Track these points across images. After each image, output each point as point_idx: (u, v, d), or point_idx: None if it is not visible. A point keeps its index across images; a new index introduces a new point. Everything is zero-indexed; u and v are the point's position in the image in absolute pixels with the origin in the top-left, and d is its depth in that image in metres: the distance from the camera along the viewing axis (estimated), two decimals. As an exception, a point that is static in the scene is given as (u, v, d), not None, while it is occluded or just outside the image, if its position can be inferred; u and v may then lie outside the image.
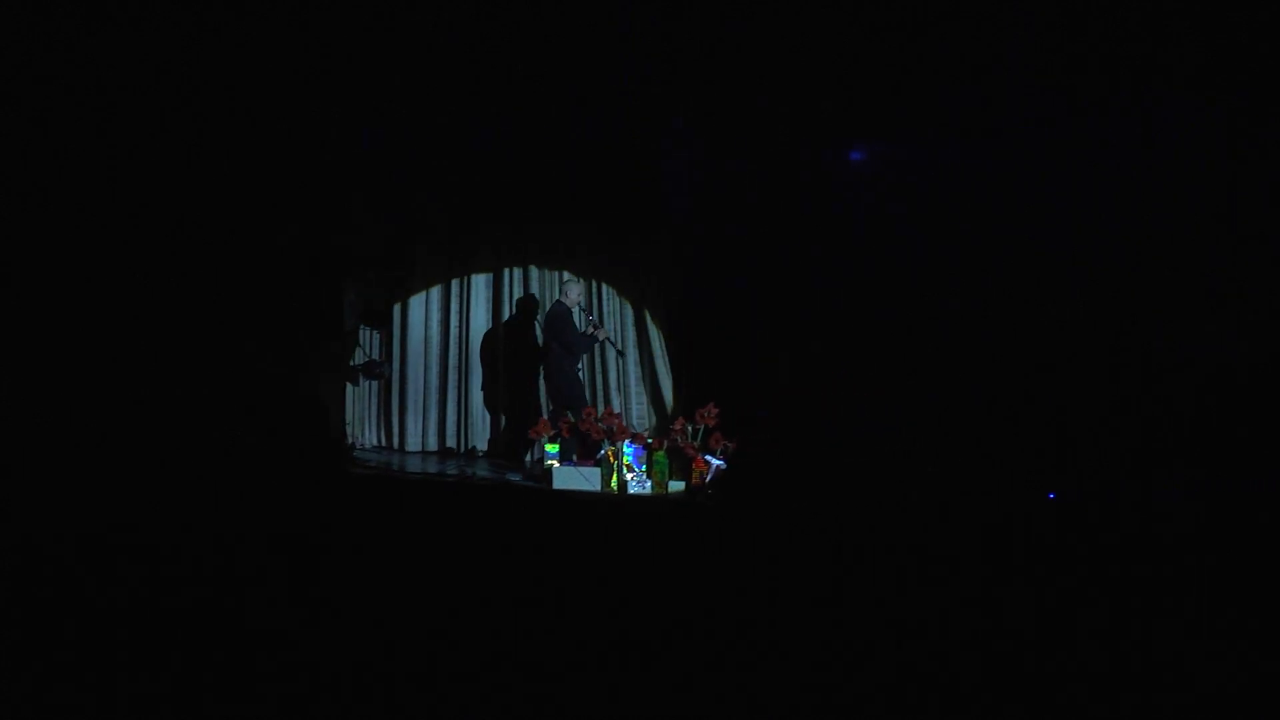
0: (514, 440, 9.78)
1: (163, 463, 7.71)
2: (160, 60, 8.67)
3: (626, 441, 8.16)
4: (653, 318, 10.36)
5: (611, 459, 8.04)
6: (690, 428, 8.21)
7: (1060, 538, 7.10)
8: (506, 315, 10.37)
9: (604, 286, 10.43)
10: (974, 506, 8.03)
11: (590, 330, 9.50)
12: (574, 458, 8.67)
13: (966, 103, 8.89)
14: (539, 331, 9.99)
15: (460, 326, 10.52)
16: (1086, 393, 8.84)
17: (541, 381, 9.89)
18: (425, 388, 10.59)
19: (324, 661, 4.43)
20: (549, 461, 8.52)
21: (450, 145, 10.02)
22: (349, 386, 10.27)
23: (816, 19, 8.49)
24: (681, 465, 8.08)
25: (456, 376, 10.49)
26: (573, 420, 8.65)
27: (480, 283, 10.54)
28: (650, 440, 8.34)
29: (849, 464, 8.80)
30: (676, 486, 7.97)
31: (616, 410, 9.68)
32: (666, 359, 10.36)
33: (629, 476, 8.00)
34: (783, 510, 7.75)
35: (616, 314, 10.47)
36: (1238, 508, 7.82)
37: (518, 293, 10.42)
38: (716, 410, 8.22)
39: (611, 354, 10.15)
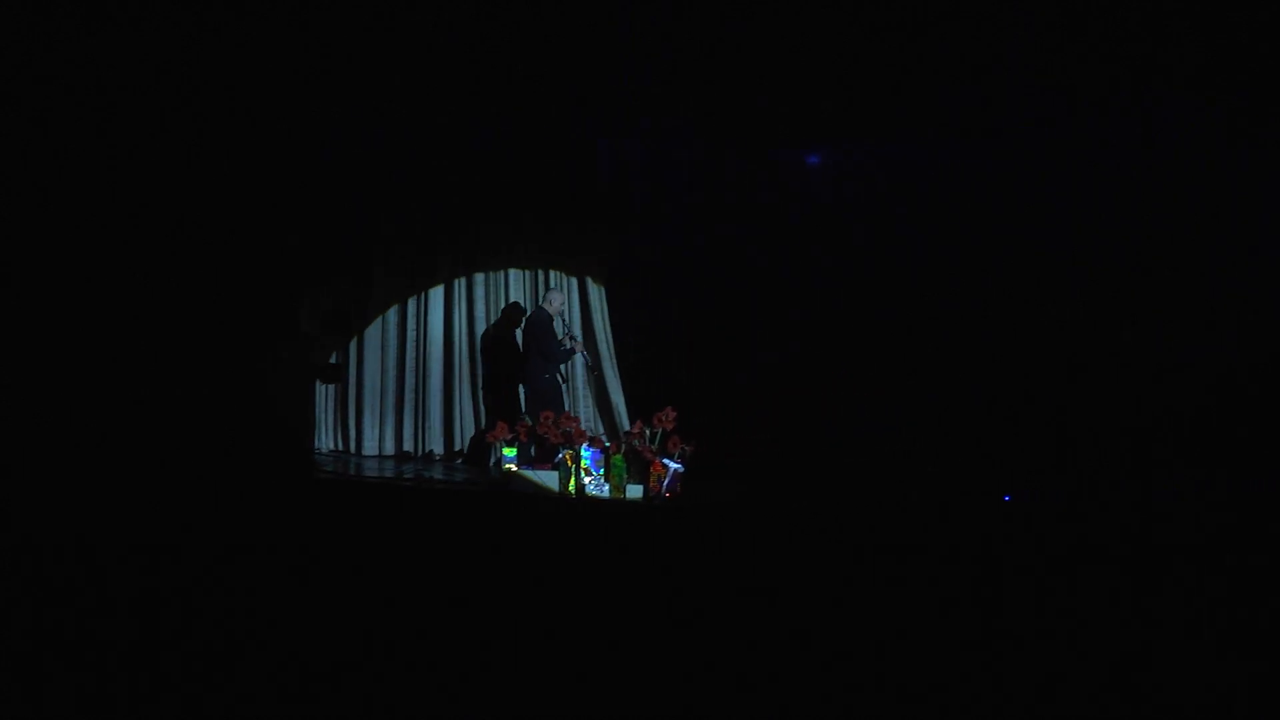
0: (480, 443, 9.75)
1: (133, 467, 7.72)
2: (123, 67, 8.71)
3: (584, 445, 8.16)
4: (595, 280, 10.33)
5: (569, 462, 8.06)
6: (648, 431, 8.18)
7: (1060, 538, 7.10)
8: (458, 318, 10.36)
9: (550, 273, 10.36)
10: (974, 506, 8.05)
11: (568, 343, 9.44)
12: (531, 461, 8.67)
13: (966, 103, 8.89)
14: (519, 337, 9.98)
15: (418, 330, 10.33)
16: (1086, 393, 8.85)
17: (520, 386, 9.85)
18: (382, 391, 10.39)
19: (299, 663, 4.42)
20: (506, 465, 8.52)
21: (407, 152, 10.01)
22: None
23: (816, 19, 8.48)
24: (639, 469, 8.03)
25: (414, 380, 10.37)
26: (530, 424, 8.65)
27: (438, 287, 10.51)
28: (608, 444, 8.31)
29: (849, 464, 8.81)
30: (634, 490, 7.98)
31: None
32: (614, 361, 10.28)
33: (586, 480, 8.01)
34: (782, 510, 7.75)
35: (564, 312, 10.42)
36: (1238, 508, 7.83)
37: (480, 296, 10.33)
38: (674, 414, 8.20)
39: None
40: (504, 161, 10.03)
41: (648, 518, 7.51)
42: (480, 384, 10.23)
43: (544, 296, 9.59)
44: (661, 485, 7.82)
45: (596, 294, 10.29)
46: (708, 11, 8.65)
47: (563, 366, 9.73)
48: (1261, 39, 8.02)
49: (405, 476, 8.96)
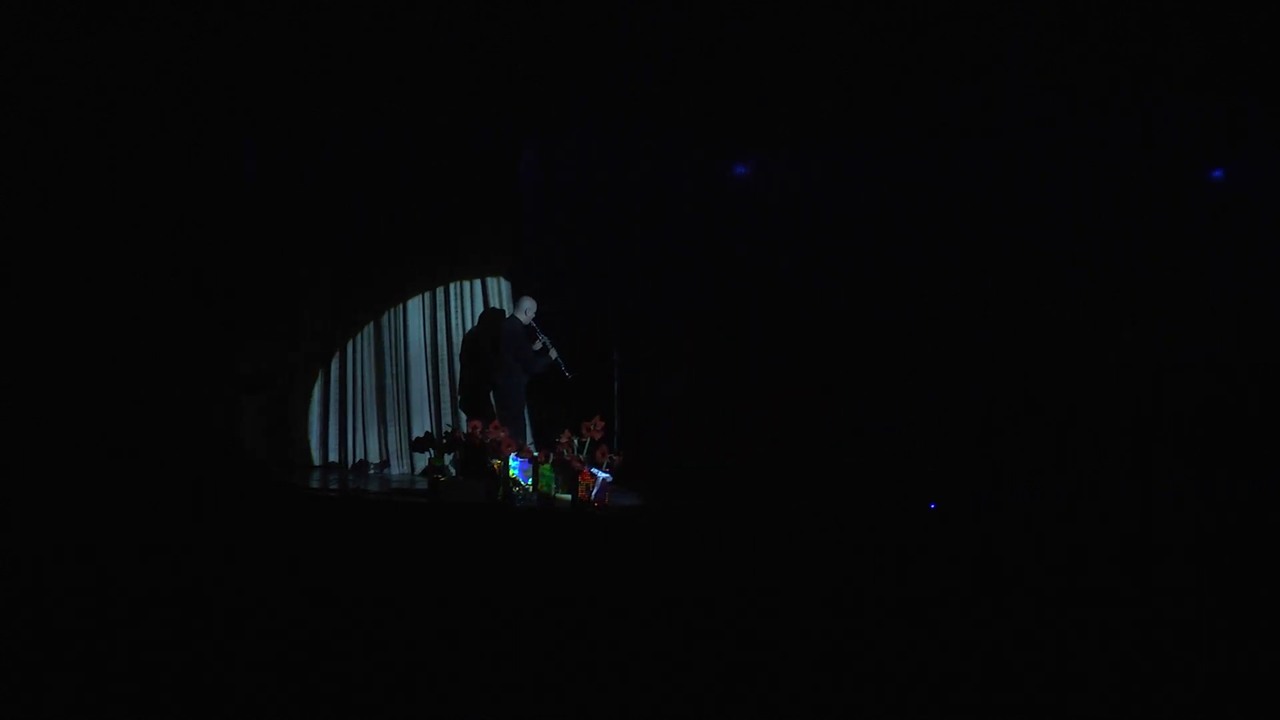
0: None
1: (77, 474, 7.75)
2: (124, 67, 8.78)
3: (512, 454, 8.17)
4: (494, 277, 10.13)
5: (497, 472, 8.06)
6: (576, 441, 8.17)
7: (1060, 538, 7.10)
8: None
9: (451, 288, 10.15)
10: (974, 507, 8.06)
11: (544, 349, 9.36)
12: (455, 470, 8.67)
13: (966, 103, 8.88)
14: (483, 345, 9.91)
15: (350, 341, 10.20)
16: (1086, 392, 8.84)
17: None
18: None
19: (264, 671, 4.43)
20: (435, 474, 8.49)
21: (327, 167, 9.95)
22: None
23: (817, 19, 8.48)
24: (568, 478, 8.06)
25: (338, 390, 10.16)
26: (462, 435, 8.66)
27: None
28: (536, 454, 8.33)
29: (849, 464, 8.80)
30: (563, 500, 7.99)
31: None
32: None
33: (515, 490, 8.01)
34: (781, 511, 7.75)
35: (466, 328, 10.13)
36: (1238, 508, 7.83)
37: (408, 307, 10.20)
38: (602, 423, 8.22)
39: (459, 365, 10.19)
40: (417, 171, 9.90)
41: (579, 525, 7.50)
42: (457, 389, 10.17)
43: (516, 305, 9.48)
44: (590, 494, 7.84)
45: (495, 290, 10.15)
46: (708, 10, 8.66)
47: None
48: (1261, 39, 8.02)
49: (331, 487, 8.95)
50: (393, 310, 10.21)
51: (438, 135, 9.75)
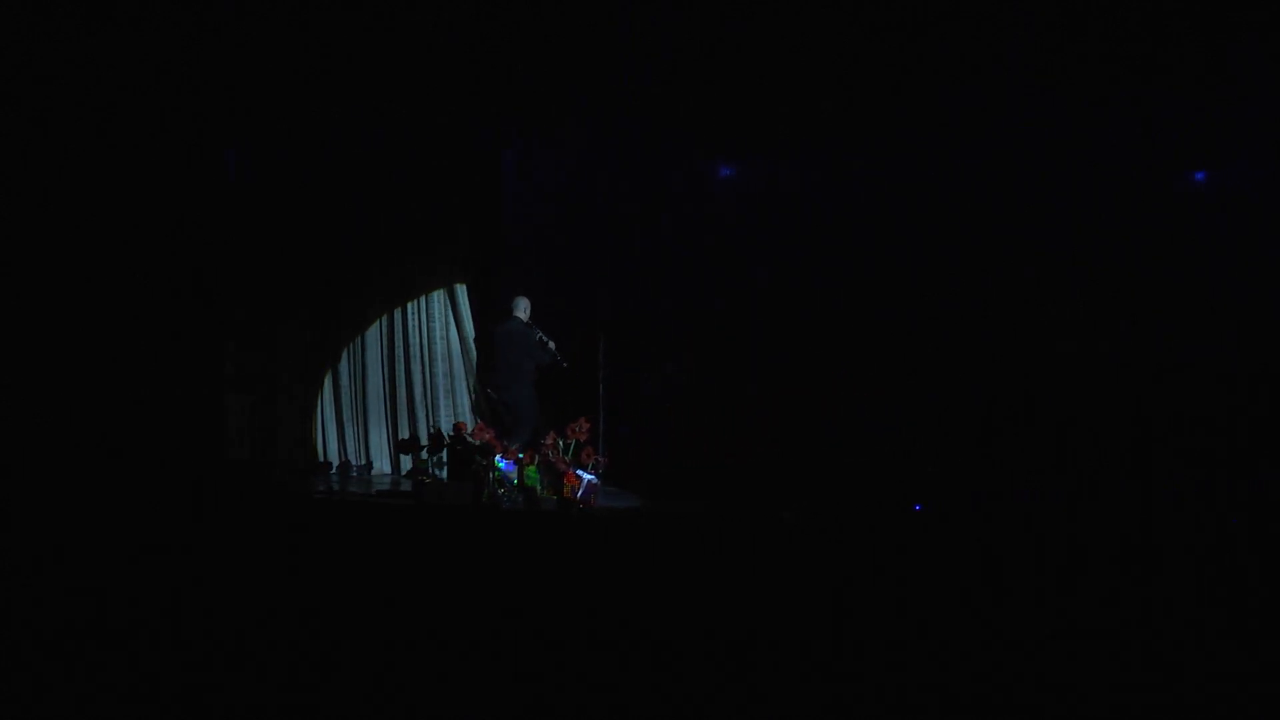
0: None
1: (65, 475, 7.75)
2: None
3: (498, 456, 8.18)
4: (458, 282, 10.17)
5: (483, 473, 8.05)
6: (561, 443, 8.21)
7: (1060, 538, 7.10)
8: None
9: (412, 305, 10.15)
10: (973, 507, 8.06)
11: (543, 342, 9.37)
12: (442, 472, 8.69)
13: (966, 103, 8.88)
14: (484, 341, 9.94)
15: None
16: (1086, 392, 8.84)
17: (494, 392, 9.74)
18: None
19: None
20: (420, 476, 8.50)
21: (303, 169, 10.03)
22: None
23: (817, 19, 8.48)
24: (553, 480, 8.08)
25: (317, 393, 10.28)
26: (449, 437, 8.69)
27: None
28: (521, 455, 8.33)
29: (848, 464, 8.80)
30: (549, 501, 8.02)
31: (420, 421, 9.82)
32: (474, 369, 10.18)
33: (501, 491, 8.04)
34: (780, 512, 7.75)
35: (422, 329, 10.15)
36: (1238, 508, 7.83)
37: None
38: (588, 425, 8.26)
39: (417, 365, 10.01)
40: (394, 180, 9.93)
41: (563, 526, 7.50)
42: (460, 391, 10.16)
43: (514, 304, 9.51)
44: (575, 495, 7.85)
45: (461, 295, 10.16)
46: (707, 10, 8.66)
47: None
48: (1261, 39, 8.02)
49: (318, 489, 8.99)
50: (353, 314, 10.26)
51: (416, 137, 9.76)
